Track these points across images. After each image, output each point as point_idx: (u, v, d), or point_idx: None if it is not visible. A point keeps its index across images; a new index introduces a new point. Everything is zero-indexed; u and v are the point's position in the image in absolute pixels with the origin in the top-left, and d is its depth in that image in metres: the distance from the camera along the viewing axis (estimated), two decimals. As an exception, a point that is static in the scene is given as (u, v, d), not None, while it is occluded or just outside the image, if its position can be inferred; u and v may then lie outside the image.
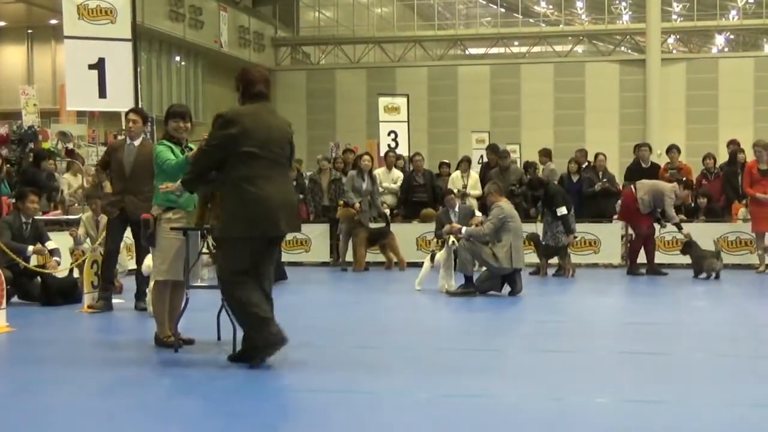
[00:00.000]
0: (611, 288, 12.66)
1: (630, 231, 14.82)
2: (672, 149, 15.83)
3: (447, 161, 17.58)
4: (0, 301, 8.25)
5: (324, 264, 15.96)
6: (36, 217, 10.68)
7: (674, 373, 6.20)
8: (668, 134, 32.40)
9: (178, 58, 35.69)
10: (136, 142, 9.33)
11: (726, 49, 44.51)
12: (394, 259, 14.87)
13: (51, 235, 10.79)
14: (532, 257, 13.42)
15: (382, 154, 18.58)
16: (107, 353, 7.18)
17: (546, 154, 16.48)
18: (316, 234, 15.99)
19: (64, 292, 10.14)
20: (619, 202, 15.31)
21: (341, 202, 14.95)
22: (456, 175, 15.92)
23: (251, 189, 6.06)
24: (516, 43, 42.85)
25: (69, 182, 15.13)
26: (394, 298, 11.23)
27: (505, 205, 11.12)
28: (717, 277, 12.78)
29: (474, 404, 5.21)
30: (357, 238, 14.74)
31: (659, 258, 14.07)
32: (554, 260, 13.64)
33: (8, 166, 15.74)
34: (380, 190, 15.45)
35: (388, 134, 19.45)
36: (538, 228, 13.86)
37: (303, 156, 26.98)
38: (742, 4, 40.94)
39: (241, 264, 6.16)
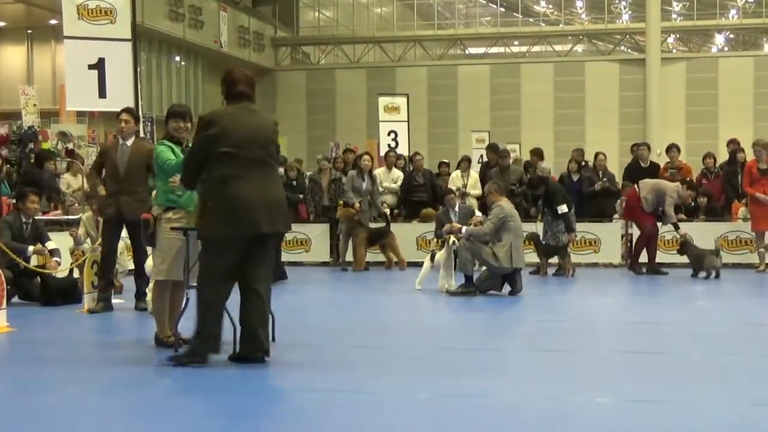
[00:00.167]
0: (611, 287, 12.66)
1: (630, 230, 14.84)
2: (672, 148, 15.82)
3: (447, 161, 17.58)
4: (0, 301, 8.26)
5: (324, 264, 15.96)
6: (36, 218, 10.68)
7: (674, 373, 6.20)
8: (668, 133, 32.42)
9: (178, 58, 35.71)
10: (129, 142, 9.32)
11: (726, 49, 44.53)
12: (395, 259, 14.86)
13: (51, 235, 10.78)
14: (532, 257, 13.42)
15: (382, 153, 18.58)
16: (107, 353, 7.18)
17: (537, 154, 16.51)
18: (316, 234, 15.99)
19: (64, 293, 10.14)
20: (619, 201, 15.33)
21: (341, 202, 14.95)
22: (456, 174, 15.92)
23: (228, 189, 6.12)
24: (516, 42, 42.86)
25: (69, 182, 15.12)
26: (394, 298, 11.23)
27: (505, 205, 11.12)
28: (717, 276, 12.78)
29: (474, 404, 5.21)
30: (357, 237, 14.74)
31: (659, 257, 14.07)
32: (554, 260, 13.64)
33: (8, 166, 15.73)
34: (380, 189, 15.45)
35: (388, 134, 19.46)
36: (538, 228, 13.86)
37: (303, 156, 27.03)
38: (742, 4, 40.95)
39: (222, 265, 6.21)
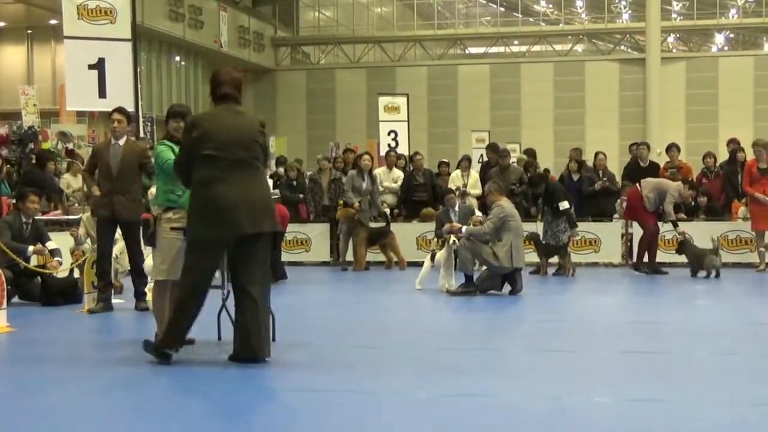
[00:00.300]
0: (611, 287, 12.66)
1: (630, 230, 14.84)
2: (672, 148, 15.83)
3: (446, 160, 17.59)
4: (0, 301, 8.26)
5: (324, 264, 15.96)
6: (36, 218, 10.68)
7: (674, 373, 6.20)
8: (668, 133, 32.43)
9: (177, 58, 35.72)
10: (121, 142, 9.32)
11: (726, 48, 44.54)
12: (395, 259, 14.86)
13: (51, 235, 10.78)
14: (532, 256, 13.42)
15: (382, 153, 18.59)
16: (107, 353, 7.17)
17: (529, 154, 16.50)
18: (317, 234, 15.99)
19: (65, 293, 10.14)
20: (619, 201, 15.33)
21: (341, 202, 14.96)
22: (456, 174, 15.93)
23: (208, 191, 6.16)
24: (516, 42, 42.88)
25: (69, 182, 15.12)
26: (395, 298, 11.23)
27: (505, 204, 11.12)
28: (717, 275, 12.78)
29: (474, 404, 5.21)
30: (357, 237, 14.74)
31: (659, 257, 14.06)
32: (554, 259, 13.64)
33: (8, 166, 15.73)
34: (380, 189, 15.46)
35: (388, 134, 19.48)
36: (538, 227, 13.86)
37: (303, 156, 27.04)
38: (742, 3, 40.96)
39: (205, 266, 6.27)
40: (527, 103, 39.39)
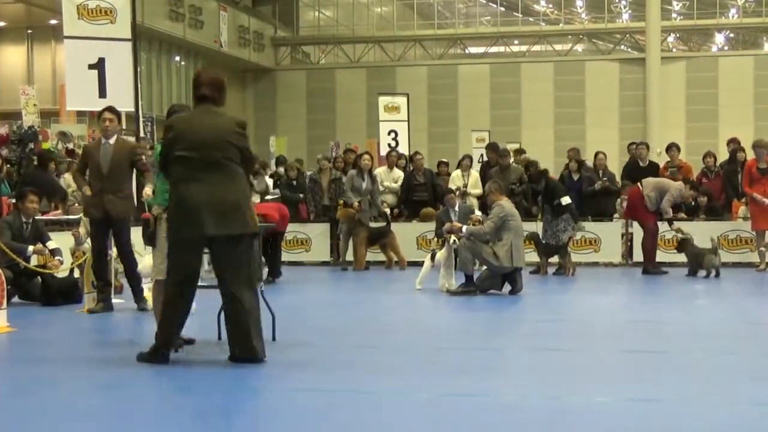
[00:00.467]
0: (611, 287, 12.67)
1: (630, 229, 14.84)
2: (672, 147, 15.84)
3: (446, 160, 17.59)
4: (0, 301, 8.25)
5: (324, 263, 15.96)
6: (36, 217, 10.68)
7: (674, 372, 6.20)
8: (668, 133, 32.42)
9: (177, 58, 35.72)
10: (111, 141, 9.30)
11: (726, 48, 44.53)
12: (395, 259, 14.86)
13: (51, 235, 10.78)
14: (532, 256, 13.42)
15: (382, 153, 18.59)
16: (107, 353, 7.17)
17: (520, 154, 16.53)
18: (317, 233, 15.99)
19: (65, 292, 10.14)
20: (619, 200, 15.33)
21: (341, 202, 14.96)
22: (457, 174, 15.93)
23: (179, 191, 6.24)
24: (516, 42, 42.87)
25: (69, 182, 15.11)
26: (395, 298, 11.23)
27: (505, 204, 11.12)
28: (717, 274, 12.78)
29: (474, 404, 5.21)
30: (357, 237, 14.74)
31: (659, 256, 14.06)
32: (554, 259, 13.64)
33: (8, 166, 15.73)
34: (380, 189, 15.46)
35: (388, 133, 19.47)
36: (538, 227, 13.86)
37: (303, 156, 27.03)
38: (742, 3, 40.96)
39: (182, 266, 6.29)
40: (527, 103, 39.38)
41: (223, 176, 6.21)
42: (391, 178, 16.10)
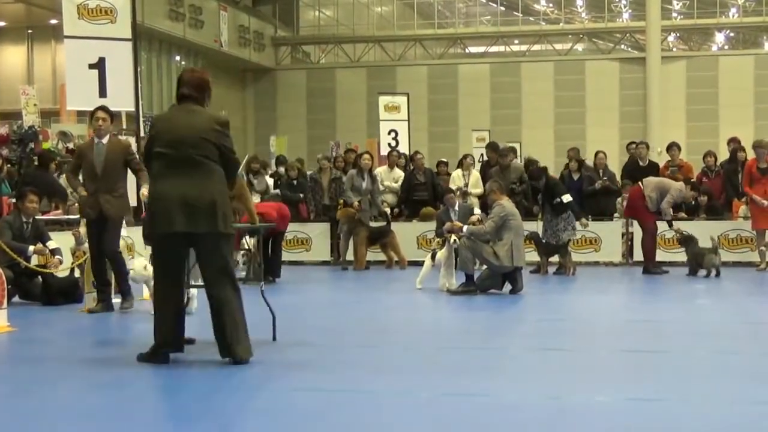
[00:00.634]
0: (612, 286, 12.67)
1: (631, 229, 14.84)
2: (672, 147, 15.85)
3: (445, 160, 17.59)
4: (1, 300, 8.25)
5: (325, 263, 15.97)
6: (37, 217, 10.68)
7: (674, 372, 6.20)
8: (668, 132, 32.41)
9: (178, 58, 35.70)
10: (104, 141, 9.30)
11: (726, 47, 44.49)
12: (395, 258, 14.87)
13: (52, 234, 10.78)
14: (532, 255, 13.42)
15: (382, 153, 18.59)
16: (108, 353, 7.18)
17: (511, 152, 16.52)
18: (317, 233, 16.00)
19: (65, 292, 10.14)
20: (619, 199, 15.33)
21: (341, 201, 14.96)
22: (457, 173, 15.93)
23: (154, 188, 6.33)
24: (516, 41, 42.85)
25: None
26: (395, 297, 11.23)
27: (506, 204, 11.12)
28: (717, 274, 12.78)
29: (474, 403, 5.21)
30: (358, 236, 14.74)
31: (659, 256, 14.07)
32: (555, 258, 13.64)
33: (9, 166, 15.73)
34: (381, 188, 15.46)
35: (389, 133, 19.47)
36: (538, 226, 13.86)
37: (303, 155, 27.01)
38: (742, 2, 40.95)
39: (162, 263, 6.35)
40: (527, 103, 39.36)
41: (197, 173, 6.19)
42: (392, 178, 16.11)
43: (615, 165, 18.91)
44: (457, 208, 13.65)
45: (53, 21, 30.38)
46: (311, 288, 12.61)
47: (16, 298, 9.81)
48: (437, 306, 10.35)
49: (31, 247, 10.16)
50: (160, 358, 6.29)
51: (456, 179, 15.77)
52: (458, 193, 14.91)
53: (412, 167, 16.49)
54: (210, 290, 6.28)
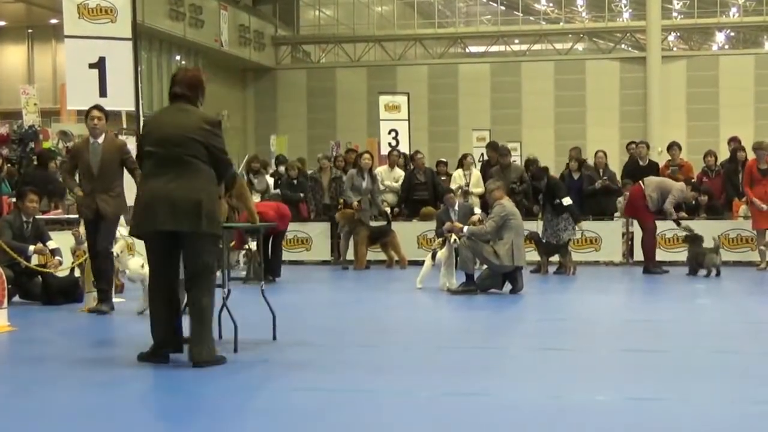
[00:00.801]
0: (612, 286, 12.66)
1: (631, 228, 14.84)
2: (672, 146, 15.85)
3: (444, 160, 17.58)
4: (1, 300, 8.25)
5: (325, 263, 15.96)
6: (37, 217, 10.68)
7: (674, 371, 6.19)
8: (669, 132, 32.42)
9: (178, 57, 35.70)
10: (100, 140, 9.28)
11: (726, 47, 44.48)
12: (395, 258, 14.87)
13: (52, 234, 10.78)
14: (532, 255, 13.42)
15: (383, 152, 18.58)
16: (108, 352, 7.18)
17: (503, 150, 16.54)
18: (317, 233, 16.00)
19: (65, 292, 10.14)
20: (620, 199, 15.33)
21: (341, 201, 14.96)
22: (458, 173, 15.93)
23: (142, 185, 6.40)
24: (516, 41, 42.84)
25: (69, 182, 15.10)
26: (395, 297, 11.23)
27: (506, 203, 11.12)
28: (718, 273, 12.78)
29: (475, 403, 5.20)
30: (358, 236, 14.74)
31: (660, 255, 14.07)
32: (555, 258, 13.64)
33: (9, 165, 15.74)
34: (381, 188, 15.45)
35: (389, 132, 19.46)
36: (538, 226, 13.86)
37: (304, 155, 27.01)
38: (743, 2, 40.94)
39: (151, 261, 6.39)
40: (528, 102, 39.36)
41: (186, 173, 6.17)
42: (392, 177, 16.10)
43: (615, 164, 18.91)
44: (457, 207, 13.65)
45: (53, 20, 30.40)
46: (311, 287, 12.61)
47: (16, 298, 9.81)
48: (437, 305, 10.35)
49: (32, 247, 10.16)
50: (160, 358, 6.29)
51: (457, 179, 15.77)
52: (459, 192, 14.91)
53: (412, 167, 16.48)
54: (186, 288, 6.27)
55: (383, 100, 20.06)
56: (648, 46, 37.95)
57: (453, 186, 15.41)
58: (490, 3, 43.78)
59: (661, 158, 16.82)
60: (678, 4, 41.69)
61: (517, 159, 19.93)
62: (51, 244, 10.40)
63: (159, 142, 6.23)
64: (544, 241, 13.53)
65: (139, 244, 9.21)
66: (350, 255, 15.02)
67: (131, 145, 9.92)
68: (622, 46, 43.50)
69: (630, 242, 15.05)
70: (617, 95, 39.13)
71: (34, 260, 10.40)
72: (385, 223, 15.00)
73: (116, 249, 9.49)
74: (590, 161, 16.48)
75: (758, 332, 8.21)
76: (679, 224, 13.55)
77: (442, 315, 9.79)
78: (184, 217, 6.11)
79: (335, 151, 23.00)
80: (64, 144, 17.69)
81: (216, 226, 6.27)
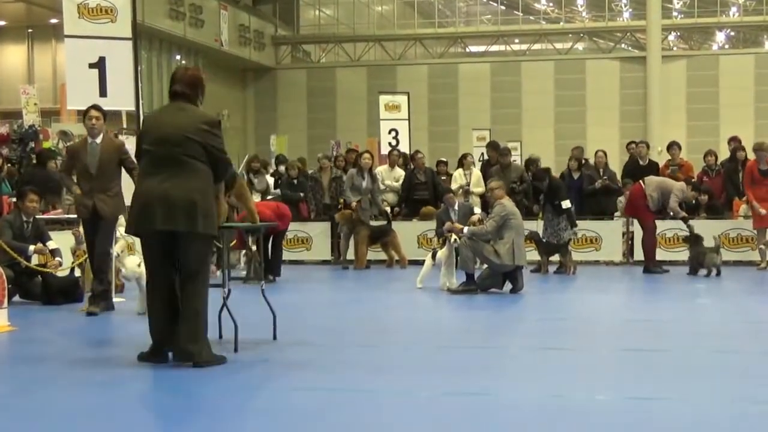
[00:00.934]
0: (612, 285, 12.66)
1: (631, 228, 14.83)
2: (673, 146, 15.85)
3: (444, 159, 17.58)
4: (1, 300, 8.26)
5: (325, 262, 15.96)
6: (37, 217, 10.68)
7: (675, 371, 6.19)
8: (669, 131, 32.40)
9: (178, 57, 35.68)
10: (98, 140, 9.27)
11: (726, 46, 44.45)
12: (396, 257, 14.86)
13: (52, 234, 10.79)
14: (532, 255, 13.42)
15: (383, 152, 18.58)
16: (108, 352, 7.18)
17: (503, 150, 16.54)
18: (317, 232, 15.99)
19: (65, 292, 10.15)
20: (621, 198, 15.32)
21: (341, 201, 14.96)
22: (459, 173, 15.93)
23: (138, 185, 6.41)
24: (516, 40, 42.82)
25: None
26: (395, 297, 11.23)
27: (507, 203, 11.13)
28: (718, 273, 12.77)
29: (475, 402, 5.20)
30: (358, 236, 14.74)
31: (660, 255, 14.07)
32: (555, 257, 13.64)
33: (9, 165, 15.74)
34: (381, 188, 15.45)
35: (389, 132, 19.45)
36: (539, 226, 13.86)
37: (304, 154, 27.01)
38: (743, 1, 40.92)
39: (149, 261, 6.40)
40: (528, 102, 39.34)
41: (182, 172, 6.16)
42: (392, 177, 16.10)
43: (615, 164, 18.91)
44: (457, 207, 13.64)
45: (53, 20, 30.38)
46: (311, 287, 12.61)
47: (16, 298, 9.82)
48: (437, 305, 10.34)
49: (32, 247, 10.16)
50: (160, 358, 6.29)
51: (458, 178, 15.76)
52: (460, 192, 14.91)
53: (412, 166, 16.48)
54: (180, 287, 6.26)
55: (383, 99, 20.05)
56: (648, 46, 37.93)
57: (454, 186, 15.41)
58: (490, 3, 43.76)
59: (661, 158, 16.82)
60: (678, 3, 41.68)
61: (517, 159, 19.91)
62: (51, 245, 10.40)
63: (157, 141, 6.23)
64: (544, 240, 13.54)
65: (139, 244, 9.23)
66: (350, 255, 15.02)
67: (131, 145, 9.91)
68: (622, 45, 43.48)
69: (630, 242, 15.05)
70: (617, 95, 39.11)
71: (34, 260, 10.40)
72: (385, 222, 15.00)
73: (117, 249, 9.50)
74: (590, 161, 16.48)
75: (758, 332, 8.21)
76: (686, 222, 13.52)
77: (442, 315, 9.79)
78: (180, 217, 6.10)
79: (335, 150, 22.99)
80: (64, 144, 17.68)
81: (212, 226, 6.25)
